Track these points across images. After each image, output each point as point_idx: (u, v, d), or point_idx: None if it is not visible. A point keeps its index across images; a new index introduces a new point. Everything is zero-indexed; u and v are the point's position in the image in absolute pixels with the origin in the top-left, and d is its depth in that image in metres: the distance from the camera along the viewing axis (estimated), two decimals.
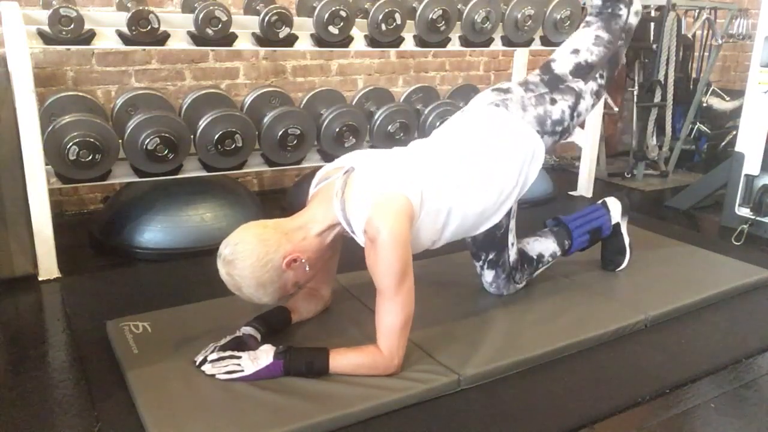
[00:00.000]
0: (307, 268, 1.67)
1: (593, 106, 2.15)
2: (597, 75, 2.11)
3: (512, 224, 2.11)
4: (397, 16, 2.76)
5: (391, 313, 1.63)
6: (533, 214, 2.47)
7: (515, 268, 2.15)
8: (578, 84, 2.08)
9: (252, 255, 1.58)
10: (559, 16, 3.16)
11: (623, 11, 2.11)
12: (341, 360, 1.66)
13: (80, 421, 1.55)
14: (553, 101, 2.03)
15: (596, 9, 2.16)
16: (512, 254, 2.14)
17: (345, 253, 1.89)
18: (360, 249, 1.69)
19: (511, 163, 1.93)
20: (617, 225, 2.39)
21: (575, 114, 2.07)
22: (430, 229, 1.77)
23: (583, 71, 2.09)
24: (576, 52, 2.11)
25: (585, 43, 2.12)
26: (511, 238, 2.12)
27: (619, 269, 2.43)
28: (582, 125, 3.56)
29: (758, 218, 3.01)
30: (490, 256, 2.14)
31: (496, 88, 2.09)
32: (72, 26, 2.28)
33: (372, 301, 1.68)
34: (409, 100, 3.23)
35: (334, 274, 2.02)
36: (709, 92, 4.41)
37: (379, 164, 1.77)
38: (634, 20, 2.15)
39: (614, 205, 2.39)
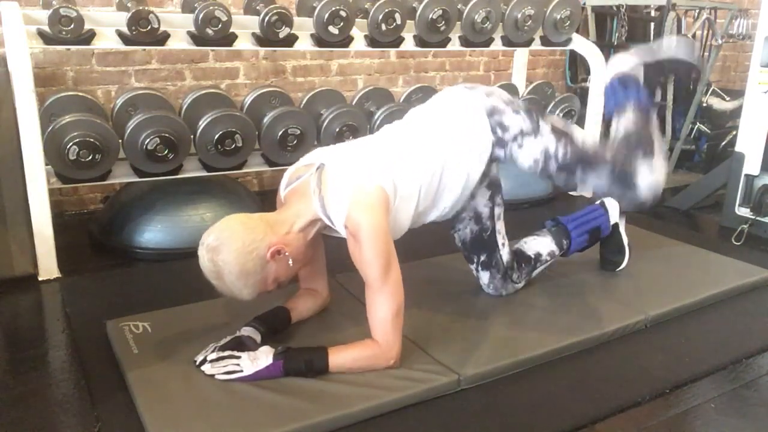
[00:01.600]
0: (291, 263, 1.67)
1: (536, 161, 1.94)
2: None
3: (500, 226, 2.11)
4: (397, 16, 2.76)
5: (383, 305, 1.64)
6: (533, 214, 2.47)
7: (511, 267, 2.15)
8: (547, 129, 1.93)
9: (238, 241, 1.58)
10: (559, 16, 3.16)
11: None
12: (340, 356, 1.66)
13: (80, 421, 1.55)
14: (516, 112, 1.93)
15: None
16: (504, 254, 2.14)
17: (345, 253, 1.88)
18: None
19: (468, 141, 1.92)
20: (615, 225, 2.39)
21: (521, 137, 1.92)
22: (406, 212, 1.79)
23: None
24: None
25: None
26: (500, 239, 2.12)
27: (618, 269, 2.43)
28: (582, 125, 3.57)
29: (758, 218, 3.01)
30: (482, 258, 2.14)
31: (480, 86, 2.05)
32: (72, 26, 2.28)
33: None
34: (409, 100, 3.23)
35: (324, 268, 2.02)
36: (709, 92, 4.41)
37: (349, 157, 1.78)
38: None
39: (612, 205, 2.39)
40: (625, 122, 2.00)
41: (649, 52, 2.14)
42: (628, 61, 2.13)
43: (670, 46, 2.12)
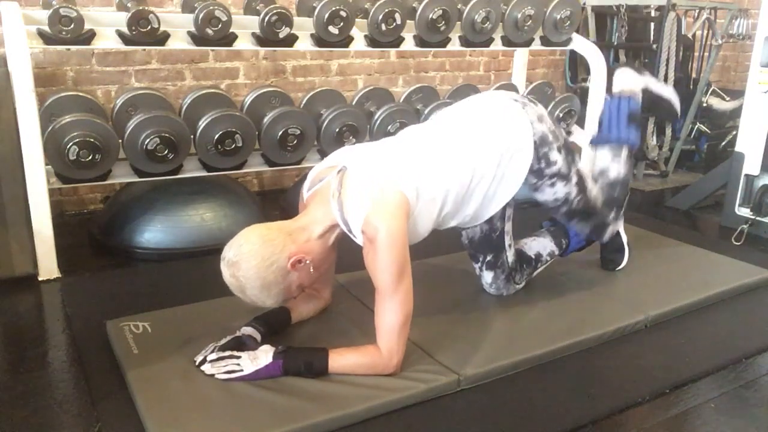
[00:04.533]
0: (312, 270, 1.67)
1: (556, 200, 2.05)
2: (577, 199, 2.07)
3: (508, 227, 2.11)
4: (397, 16, 2.76)
5: (390, 312, 1.63)
6: (533, 214, 2.47)
7: (514, 269, 2.16)
8: (575, 179, 2.03)
9: (257, 256, 1.58)
10: (559, 16, 3.16)
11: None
12: (340, 360, 1.66)
13: (80, 421, 1.55)
14: (560, 151, 1.98)
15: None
16: (510, 255, 2.14)
17: (345, 253, 1.89)
18: (359, 249, 1.70)
19: (504, 151, 1.90)
20: None
21: (557, 179, 1.99)
22: (428, 217, 1.78)
23: (582, 187, 2.07)
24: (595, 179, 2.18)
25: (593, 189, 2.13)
26: (508, 240, 2.12)
27: (618, 268, 2.43)
28: (582, 125, 3.57)
29: (758, 218, 3.01)
30: (488, 258, 2.14)
31: (527, 96, 2.08)
32: (72, 26, 2.28)
33: (372, 301, 1.68)
34: (409, 100, 3.23)
35: (333, 275, 2.03)
36: (709, 92, 4.41)
37: (372, 161, 1.76)
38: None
39: None
40: (617, 166, 2.22)
41: (653, 83, 2.35)
42: (637, 81, 2.31)
43: (668, 90, 2.42)
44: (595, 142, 2.30)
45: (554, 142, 1.97)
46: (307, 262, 1.65)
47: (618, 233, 2.41)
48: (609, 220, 2.21)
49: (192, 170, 2.69)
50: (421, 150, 1.83)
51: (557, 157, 1.97)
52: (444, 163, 1.80)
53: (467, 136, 1.89)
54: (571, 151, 2.03)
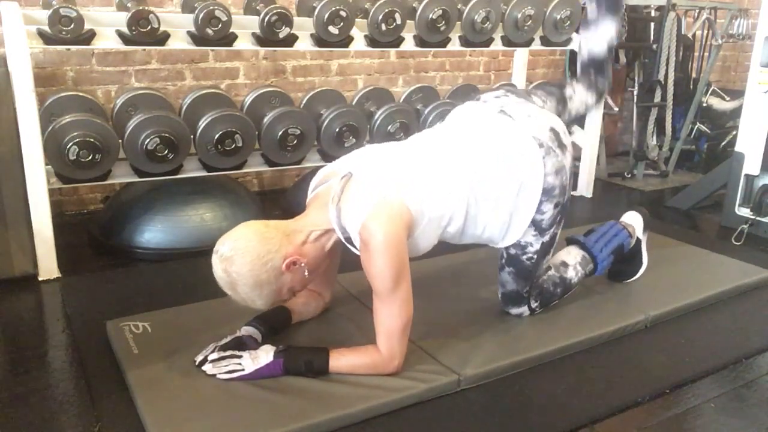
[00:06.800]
0: (306, 273, 1.65)
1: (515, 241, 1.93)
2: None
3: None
4: (397, 16, 2.77)
5: (389, 317, 1.63)
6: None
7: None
8: (548, 238, 1.93)
9: (252, 252, 1.56)
10: (559, 16, 3.16)
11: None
12: (341, 360, 1.66)
13: (80, 421, 1.55)
14: (556, 206, 1.88)
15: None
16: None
17: (346, 254, 1.88)
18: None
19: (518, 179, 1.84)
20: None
21: (533, 227, 1.89)
22: (431, 234, 1.74)
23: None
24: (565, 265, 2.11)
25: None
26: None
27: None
28: (582, 125, 3.57)
29: (758, 218, 3.01)
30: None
31: (561, 138, 1.91)
32: (72, 26, 2.28)
33: (372, 301, 1.68)
34: (409, 100, 3.23)
35: (335, 277, 2.02)
36: (709, 92, 4.41)
37: (379, 171, 1.71)
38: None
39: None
40: (576, 272, 2.13)
41: (644, 244, 2.36)
42: (640, 229, 2.33)
43: (646, 260, 2.36)
44: (578, 242, 2.20)
45: (556, 198, 1.87)
46: (302, 264, 1.63)
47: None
48: (528, 299, 2.02)
49: (192, 170, 2.69)
50: (434, 165, 1.76)
51: (548, 210, 1.87)
52: (453, 185, 1.74)
53: (483, 167, 1.80)
54: (564, 212, 1.94)
